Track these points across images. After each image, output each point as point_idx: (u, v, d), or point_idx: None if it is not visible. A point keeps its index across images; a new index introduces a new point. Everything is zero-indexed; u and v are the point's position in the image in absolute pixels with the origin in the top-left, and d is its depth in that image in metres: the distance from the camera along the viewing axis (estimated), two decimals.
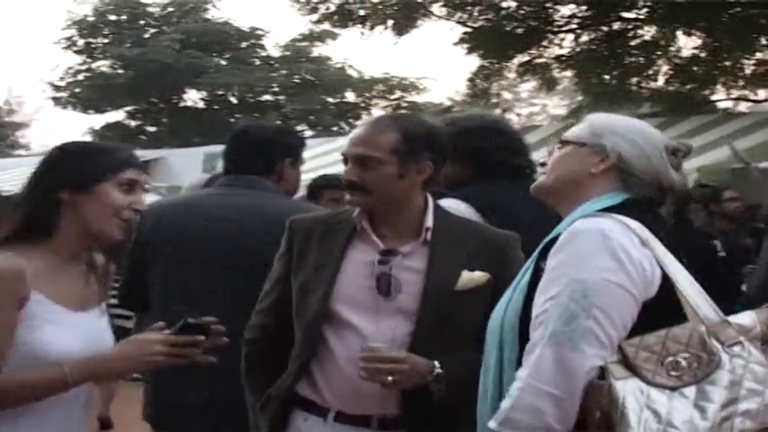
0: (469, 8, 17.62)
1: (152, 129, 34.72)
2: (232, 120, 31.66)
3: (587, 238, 2.31)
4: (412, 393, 2.87)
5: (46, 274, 2.54)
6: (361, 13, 18.03)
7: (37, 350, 2.48)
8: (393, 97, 32.39)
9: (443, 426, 2.90)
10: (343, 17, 18.31)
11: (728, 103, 20.13)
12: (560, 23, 17.90)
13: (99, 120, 34.80)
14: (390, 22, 17.83)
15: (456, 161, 3.60)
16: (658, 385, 2.15)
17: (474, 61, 19.07)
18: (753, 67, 18.02)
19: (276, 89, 32.55)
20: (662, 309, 2.28)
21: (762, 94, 19.36)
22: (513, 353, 2.38)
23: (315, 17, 18.83)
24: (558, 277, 2.29)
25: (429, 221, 2.99)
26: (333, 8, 18.21)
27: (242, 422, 3.28)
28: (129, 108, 34.06)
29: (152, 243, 3.69)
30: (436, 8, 17.73)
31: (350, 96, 33.24)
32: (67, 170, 2.61)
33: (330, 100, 32.24)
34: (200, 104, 34.34)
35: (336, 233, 3.06)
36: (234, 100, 33.71)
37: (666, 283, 2.30)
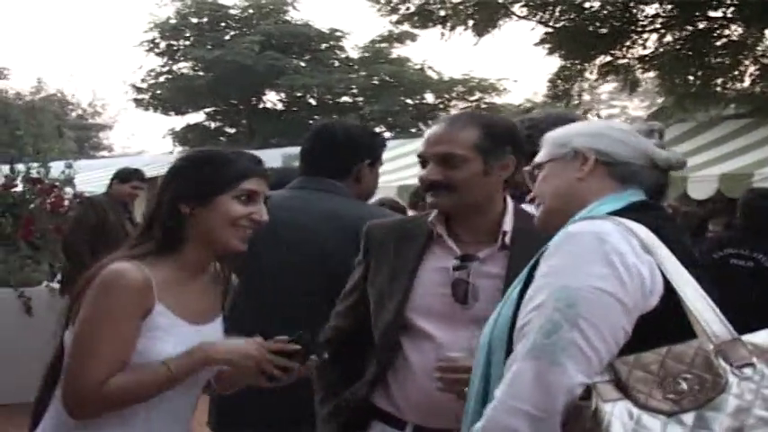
0: (551, 8, 17.45)
1: (231, 130, 35.05)
2: (311, 121, 31.78)
3: (580, 241, 2.13)
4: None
5: (170, 286, 2.60)
6: (442, 13, 17.90)
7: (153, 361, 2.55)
8: (472, 98, 32.29)
9: None
10: (424, 18, 18.22)
11: None
12: (644, 23, 17.66)
13: (180, 121, 35.28)
14: (471, 23, 17.74)
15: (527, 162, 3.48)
16: (652, 409, 1.91)
17: (555, 62, 18.96)
18: None
19: (355, 91, 32.64)
20: (664, 323, 2.04)
21: None
22: (499, 367, 2.17)
23: (395, 18, 18.80)
24: (546, 285, 2.10)
25: (507, 225, 2.90)
26: (413, 9, 18.17)
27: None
28: (209, 109, 34.48)
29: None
30: (517, 8, 17.57)
31: (429, 98, 33.23)
32: (187, 183, 2.65)
33: (409, 101, 32.26)
34: (279, 106, 34.61)
35: (412, 239, 3.00)
36: (313, 101, 33.88)
37: (671, 294, 2.07)
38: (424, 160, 2.93)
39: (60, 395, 2.54)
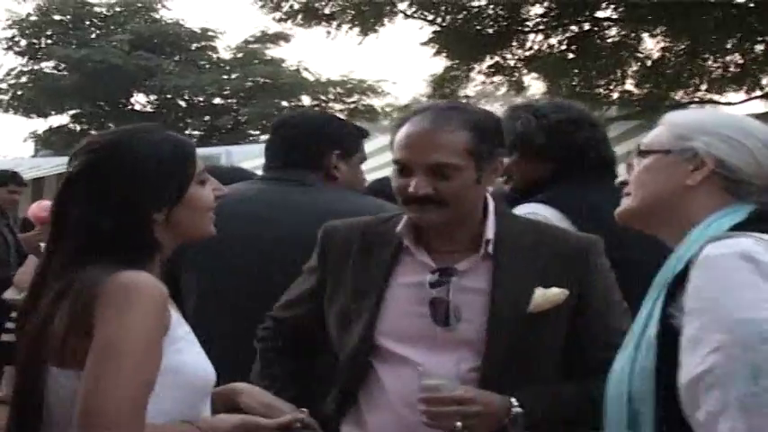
0: (438, 7, 17.68)
1: (98, 133, 34.48)
2: (182, 124, 31.59)
3: (729, 265, 1.88)
4: None
5: None
6: (327, 11, 17.99)
7: (194, 377, 2.23)
8: (350, 100, 32.34)
9: None
10: (308, 15, 18.24)
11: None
12: (530, 24, 17.99)
13: (42, 124, 34.43)
14: (357, 21, 17.80)
15: (542, 159, 3.39)
16: None
17: (439, 64, 19.15)
18: (720, 70, 18.15)
19: (228, 92, 32.48)
20: None
21: (731, 96, 19.56)
22: (650, 426, 1.92)
23: (278, 15, 18.76)
24: (711, 322, 1.84)
25: (490, 231, 2.59)
26: (297, 6, 18.15)
27: None
28: (74, 111, 33.75)
29: (183, 258, 3.18)
30: (405, 6, 17.74)
31: (305, 100, 33.22)
32: (155, 191, 2.28)
33: (285, 103, 32.11)
34: (149, 108, 34.13)
35: (378, 247, 2.68)
36: (183, 104, 33.61)
37: None
38: (404, 168, 2.58)
39: None
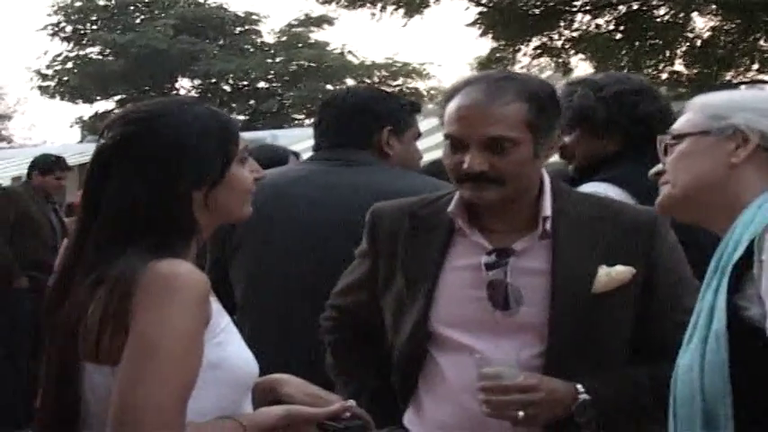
0: None
1: None
2: (225, 109, 31.73)
3: None
4: (556, 429, 2.30)
5: None
6: None
7: (237, 370, 2.06)
8: (395, 83, 32.39)
9: None
10: None
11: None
12: (578, 3, 17.86)
13: (88, 110, 34.82)
14: (402, 3, 17.75)
15: (601, 136, 3.23)
16: None
17: (485, 45, 19.09)
18: None
19: (272, 76, 32.63)
20: None
21: None
22: (729, 420, 1.79)
23: None
24: None
25: (547, 209, 2.39)
26: None
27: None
28: (119, 97, 34.02)
29: (234, 232, 3.12)
30: None
31: (350, 83, 33.30)
32: (198, 167, 2.07)
33: (329, 87, 32.21)
34: (193, 92, 34.37)
35: (429, 231, 2.50)
36: (228, 88, 33.84)
37: None
38: (457, 143, 2.38)
39: None
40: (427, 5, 17.91)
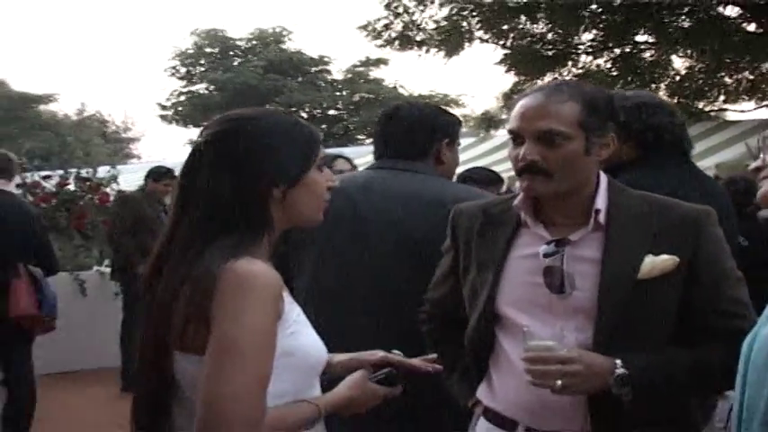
0: (507, 33, 17.55)
1: None
2: None
3: None
4: (600, 404, 2.11)
5: None
6: (418, 38, 17.99)
7: (309, 357, 1.93)
8: None
9: None
10: (403, 42, 18.28)
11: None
12: (582, 47, 17.82)
13: (196, 133, 35.20)
14: (442, 46, 17.78)
15: (624, 140, 2.96)
16: None
17: (509, 80, 19.14)
18: (734, 84, 17.94)
19: (340, 106, 32.86)
20: None
21: (744, 105, 19.24)
22: None
23: (379, 42, 18.82)
24: None
25: (600, 202, 2.19)
26: (395, 35, 18.21)
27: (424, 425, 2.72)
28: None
29: (303, 231, 2.78)
30: (481, 33, 17.68)
31: None
32: (279, 165, 1.91)
33: None
34: None
35: (499, 224, 2.33)
36: (305, 115, 34.08)
37: None
38: (517, 136, 2.19)
39: (202, 429, 1.75)
40: (462, 48, 17.87)
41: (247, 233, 1.84)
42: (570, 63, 17.91)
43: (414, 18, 17.96)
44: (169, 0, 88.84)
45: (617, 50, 17.51)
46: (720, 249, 2.20)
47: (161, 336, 1.85)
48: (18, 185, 8.73)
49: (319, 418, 1.91)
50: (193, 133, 36.30)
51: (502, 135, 16.32)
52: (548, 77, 18.16)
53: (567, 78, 17.63)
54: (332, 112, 33.71)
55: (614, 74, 17.47)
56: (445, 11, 17.55)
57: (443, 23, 17.62)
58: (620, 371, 2.02)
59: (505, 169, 7.00)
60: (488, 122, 20.50)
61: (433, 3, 17.62)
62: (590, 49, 17.72)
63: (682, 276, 2.12)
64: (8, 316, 4.96)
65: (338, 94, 33.27)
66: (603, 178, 2.24)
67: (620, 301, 2.10)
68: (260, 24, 41.96)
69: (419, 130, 2.97)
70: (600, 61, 17.86)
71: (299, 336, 1.89)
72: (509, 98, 19.18)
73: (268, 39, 33.88)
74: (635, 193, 2.29)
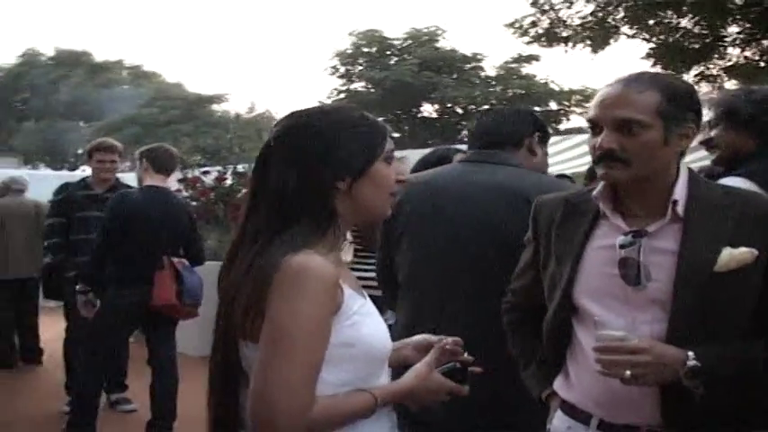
0: (653, 28, 17.52)
1: (397, 134, 35.47)
2: (459, 127, 32.38)
3: None
4: (672, 395, 2.02)
5: (337, 266, 1.87)
6: (564, 34, 18.19)
7: (370, 348, 1.90)
8: (587, 105, 31.77)
9: None
10: (550, 38, 18.50)
11: None
12: (728, 39, 17.57)
13: None
14: (588, 41, 17.91)
15: (743, 130, 2.98)
16: None
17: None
18: None
19: (494, 101, 32.72)
20: None
21: None
22: None
23: (526, 39, 19.09)
24: None
25: (677, 193, 2.10)
26: (541, 31, 18.46)
27: (495, 418, 2.69)
28: (378, 119, 34.83)
29: (398, 220, 2.94)
30: (626, 29, 17.70)
31: (552, 105, 33.18)
32: (344, 158, 1.89)
33: (537, 108, 32.18)
34: (434, 115, 34.97)
35: (578, 216, 2.26)
36: (459, 110, 34.18)
37: None
38: (595, 125, 2.13)
39: (252, 415, 1.77)
40: (608, 43, 17.95)
41: (312, 227, 1.85)
42: (716, 56, 17.74)
43: (560, 14, 18.22)
44: (328, 4, 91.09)
45: (765, 42, 17.16)
46: None
47: (227, 324, 1.89)
48: (179, 180, 9.38)
49: (377, 408, 1.88)
50: None
51: None
52: (693, 71, 18.06)
53: (709, 72, 17.44)
54: (485, 107, 33.68)
55: (762, 65, 17.19)
56: (591, 7, 17.76)
57: (589, 19, 17.80)
58: (691, 363, 1.95)
59: None
60: None
61: None
62: (737, 42, 17.50)
63: (760, 269, 2.03)
64: (151, 305, 5.30)
65: (491, 90, 33.20)
66: (684, 169, 2.17)
67: (697, 293, 2.02)
68: (415, 24, 42.50)
69: (510, 121, 3.01)
70: (748, 53, 17.59)
71: (361, 327, 1.87)
72: None
73: (422, 38, 34.17)
74: (716, 186, 2.25)
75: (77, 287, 5.65)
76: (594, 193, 2.21)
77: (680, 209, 2.09)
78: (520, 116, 3.05)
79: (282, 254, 1.78)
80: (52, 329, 7.55)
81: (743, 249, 2.01)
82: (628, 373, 1.93)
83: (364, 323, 1.87)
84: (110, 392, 6.44)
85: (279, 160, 1.89)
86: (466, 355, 2.12)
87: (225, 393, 1.91)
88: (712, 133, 3.08)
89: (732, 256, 2.01)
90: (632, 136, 2.06)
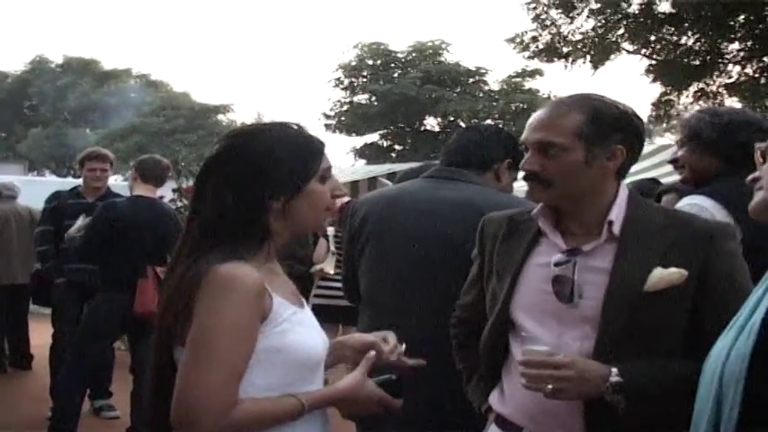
0: (653, 44, 17.57)
1: (399, 147, 35.46)
2: None
3: None
4: (595, 411, 2.05)
5: (269, 276, 1.94)
6: (564, 50, 18.25)
7: (297, 355, 1.94)
8: None
9: None
10: (550, 54, 18.56)
11: None
12: (729, 57, 17.59)
13: (359, 141, 35.60)
14: (588, 57, 17.96)
15: (710, 153, 3.04)
16: None
17: (656, 90, 18.98)
18: None
19: (496, 115, 32.78)
20: None
21: None
22: (733, 411, 1.53)
23: (526, 54, 19.15)
24: None
25: (614, 214, 2.13)
26: (541, 46, 18.52)
27: (451, 422, 2.70)
28: (381, 131, 34.95)
29: (361, 234, 3.00)
30: (626, 44, 17.75)
31: None
32: (278, 179, 1.94)
33: None
34: (436, 128, 34.78)
35: (521, 233, 2.30)
36: (462, 124, 34.11)
37: None
38: (524, 147, 2.21)
39: (174, 416, 1.83)
40: (609, 59, 18.00)
41: (246, 243, 1.91)
42: (716, 73, 17.77)
43: (561, 30, 18.30)
44: (335, 17, 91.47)
45: (766, 59, 17.18)
46: (734, 264, 2.12)
47: (162, 330, 1.95)
48: (174, 190, 9.47)
49: (304, 413, 1.91)
50: (355, 141, 37.08)
51: (647, 144, 16.38)
52: (693, 88, 18.11)
53: (709, 89, 17.48)
54: (488, 121, 33.41)
55: (762, 82, 17.26)
56: (592, 22, 17.85)
57: (590, 35, 17.87)
58: (614, 379, 1.98)
59: (656, 176, 7.34)
60: None
61: (580, 14, 17.89)
62: (738, 59, 17.55)
63: (690, 290, 2.06)
64: (133, 312, 5.35)
65: (494, 104, 33.09)
66: (623, 191, 2.20)
67: (625, 312, 2.05)
68: (420, 37, 42.46)
69: (485, 145, 3.00)
70: (748, 70, 17.64)
71: (289, 333, 1.91)
72: (657, 107, 19.17)
73: (427, 51, 34.12)
74: (654, 207, 2.29)
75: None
76: (534, 211, 2.26)
77: (616, 229, 2.13)
78: (497, 140, 3.04)
79: (212, 263, 1.83)
80: (41, 335, 7.58)
81: (673, 270, 2.04)
82: (549, 386, 1.97)
83: (293, 330, 1.92)
84: (94, 399, 6.48)
85: (216, 180, 1.95)
86: (411, 361, 2.18)
87: (159, 396, 1.94)
88: (679, 153, 3.16)
89: (662, 276, 2.04)
90: (552, 158, 2.12)
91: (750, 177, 1.81)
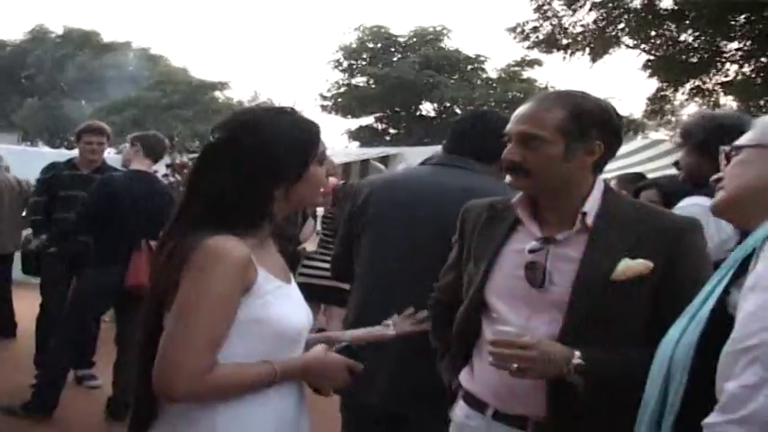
0: (653, 40, 17.55)
1: (394, 131, 35.56)
2: None
3: None
4: (557, 391, 2.16)
5: (259, 251, 2.01)
6: (564, 42, 18.22)
7: (278, 326, 2.02)
8: None
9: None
10: (549, 44, 18.53)
11: None
12: (727, 55, 17.59)
13: (354, 123, 35.84)
14: (587, 50, 17.94)
15: (699, 153, 3.15)
16: None
17: (653, 84, 19.00)
18: None
19: (493, 103, 32.78)
20: None
21: None
22: (677, 396, 1.64)
23: (526, 44, 19.13)
24: None
25: (588, 206, 2.23)
26: (541, 37, 18.49)
27: (429, 404, 2.75)
28: (377, 115, 35.05)
29: (362, 216, 3.08)
30: (626, 39, 17.73)
31: None
32: (282, 167, 2.03)
33: None
34: (432, 113, 34.91)
35: (500, 221, 2.40)
36: (458, 111, 34.14)
37: None
38: (508, 138, 2.29)
39: (155, 376, 1.92)
40: (608, 52, 17.98)
41: (244, 223, 1.99)
42: (713, 71, 17.76)
43: (562, 22, 18.26)
44: None
45: (763, 59, 17.11)
46: (699, 259, 2.20)
47: (153, 298, 2.03)
48: (167, 165, 9.45)
49: (277, 378, 2.00)
50: (350, 123, 37.28)
51: (640, 138, 16.39)
52: (689, 84, 18.12)
53: (705, 86, 17.45)
54: (484, 108, 33.74)
55: (758, 82, 17.18)
56: (593, 15, 17.80)
57: (591, 27, 17.84)
58: (576, 361, 2.06)
59: (648, 170, 7.37)
60: (629, 125, 20.41)
61: (582, 7, 17.85)
62: (736, 58, 17.52)
63: (655, 281, 2.13)
64: (125, 284, 5.39)
65: (491, 92, 33.19)
66: (599, 185, 2.29)
67: (591, 299, 2.14)
68: (422, 22, 42.38)
69: (495, 135, 2.81)
70: (746, 69, 17.57)
71: (271, 306, 1.99)
72: (653, 103, 19.17)
73: (428, 36, 34.21)
74: (629, 202, 2.38)
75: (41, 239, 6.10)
76: (513, 200, 2.35)
77: (589, 220, 2.22)
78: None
79: (203, 237, 1.91)
80: (26, 304, 7.55)
81: (639, 261, 2.13)
82: (515, 365, 2.06)
83: (276, 304, 2.00)
84: (77, 368, 6.48)
85: (220, 164, 2.01)
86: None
87: (145, 360, 1.99)
88: (678, 155, 3.28)
89: (628, 266, 2.13)
90: (533, 150, 2.21)
91: (714, 177, 1.89)
